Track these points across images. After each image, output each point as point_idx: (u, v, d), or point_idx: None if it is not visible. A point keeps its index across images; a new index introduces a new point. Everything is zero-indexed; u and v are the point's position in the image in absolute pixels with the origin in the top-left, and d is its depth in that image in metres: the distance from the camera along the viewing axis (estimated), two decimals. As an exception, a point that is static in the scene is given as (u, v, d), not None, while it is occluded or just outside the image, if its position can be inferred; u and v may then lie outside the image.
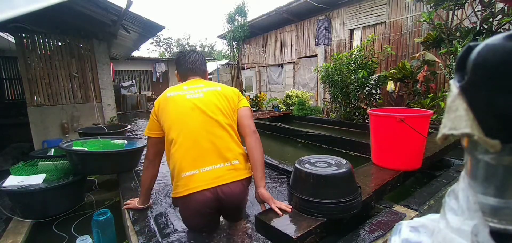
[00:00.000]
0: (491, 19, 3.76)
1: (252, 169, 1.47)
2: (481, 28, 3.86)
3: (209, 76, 16.63)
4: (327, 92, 6.42)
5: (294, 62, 9.71)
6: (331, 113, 6.46)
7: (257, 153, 1.45)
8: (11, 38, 5.07)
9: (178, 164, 1.35)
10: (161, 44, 28.19)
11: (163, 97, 1.47)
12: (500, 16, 3.70)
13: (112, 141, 2.85)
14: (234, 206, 1.45)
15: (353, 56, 5.46)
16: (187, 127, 1.37)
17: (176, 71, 1.65)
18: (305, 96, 7.78)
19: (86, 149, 2.42)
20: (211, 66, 17.30)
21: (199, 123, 1.38)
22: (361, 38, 7.11)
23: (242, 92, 10.44)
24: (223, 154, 1.38)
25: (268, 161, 3.02)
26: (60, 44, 4.97)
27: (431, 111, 2.12)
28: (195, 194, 1.32)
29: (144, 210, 1.81)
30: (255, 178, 1.47)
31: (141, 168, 3.03)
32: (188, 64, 1.57)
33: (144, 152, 1.75)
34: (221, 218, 1.67)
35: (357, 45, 6.40)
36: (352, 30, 7.53)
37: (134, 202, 1.82)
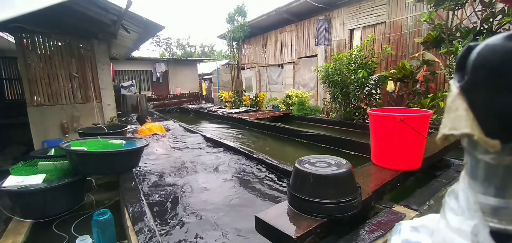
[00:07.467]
0: (491, 19, 3.76)
1: None
2: (481, 28, 3.86)
3: (209, 76, 16.63)
4: (327, 92, 6.42)
5: (294, 62, 9.71)
6: (331, 113, 6.46)
7: None
8: (11, 38, 5.07)
9: None
10: (161, 44, 28.23)
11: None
12: (500, 16, 3.70)
13: (110, 141, 2.84)
14: None
15: (353, 56, 5.45)
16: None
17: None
18: (305, 96, 7.77)
19: (85, 149, 2.42)
20: (211, 66, 17.28)
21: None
22: (361, 38, 7.11)
23: (242, 92, 10.49)
24: None
25: (268, 161, 3.01)
26: (60, 44, 4.96)
27: (431, 111, 2.12)
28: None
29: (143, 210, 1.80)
30: None
31: (141, 168, 3.03)
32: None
33: (144, 152, 2.65)
34: (221, 221, 1.66)
35: (357, 45, 6.38)
36: (352, 30, 7.53)
37: None
